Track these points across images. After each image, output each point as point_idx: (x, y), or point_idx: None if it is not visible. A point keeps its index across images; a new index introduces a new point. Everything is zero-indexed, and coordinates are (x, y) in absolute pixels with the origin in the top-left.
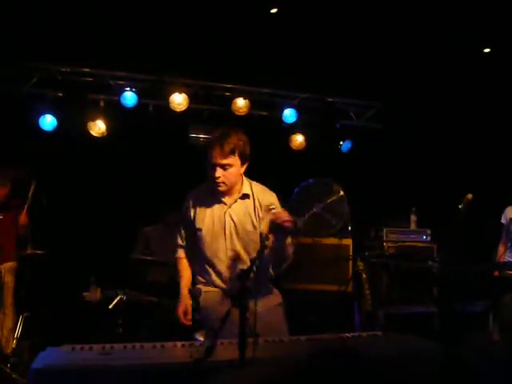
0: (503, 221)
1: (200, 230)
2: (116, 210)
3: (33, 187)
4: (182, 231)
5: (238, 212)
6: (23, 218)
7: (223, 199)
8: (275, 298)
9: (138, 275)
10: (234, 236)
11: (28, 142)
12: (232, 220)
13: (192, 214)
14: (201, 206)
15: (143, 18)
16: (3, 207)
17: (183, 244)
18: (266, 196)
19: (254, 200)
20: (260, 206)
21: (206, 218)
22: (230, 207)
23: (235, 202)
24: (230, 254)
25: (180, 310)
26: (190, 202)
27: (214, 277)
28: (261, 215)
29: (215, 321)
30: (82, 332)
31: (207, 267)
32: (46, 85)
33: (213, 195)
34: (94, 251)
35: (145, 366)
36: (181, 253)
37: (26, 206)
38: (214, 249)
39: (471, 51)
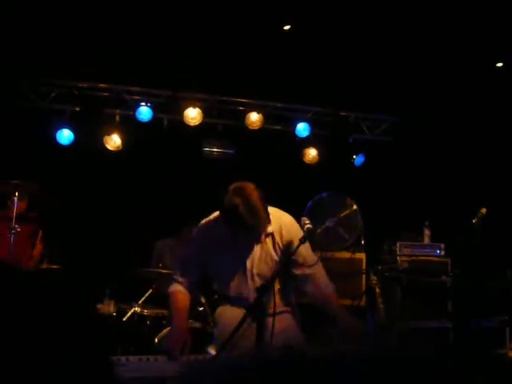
0: None
1: (216, 270)
2: (131, 224)
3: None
4: (186, 266)
5: (260, 251)
6: (37, 250)
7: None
8: (294, 315)
9: (152, 288)
10: (256, 277)
11: (45, 155)
12: (253, 259)
13: (204, 253)
14: (214, 245)
15: (158, 34)
16: (21, 220)
17: (182, 280)
18: (292, 231)
19: (273, 237)
20: (281, 239)
21: (223, 260)
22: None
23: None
24: (252, 293)
25: (176, 345)
26: (200, 240)
27: (234, 301)
28: (282, 247)
29: (236, 341)
30: None
31: (226, 295)
32: (64, 100)
33: (230, 237)
34: (108, 264)
35: (159, 379)
36: (176, 287)
37: (39, 238)
38: (233, 288)
39: (483, 66)
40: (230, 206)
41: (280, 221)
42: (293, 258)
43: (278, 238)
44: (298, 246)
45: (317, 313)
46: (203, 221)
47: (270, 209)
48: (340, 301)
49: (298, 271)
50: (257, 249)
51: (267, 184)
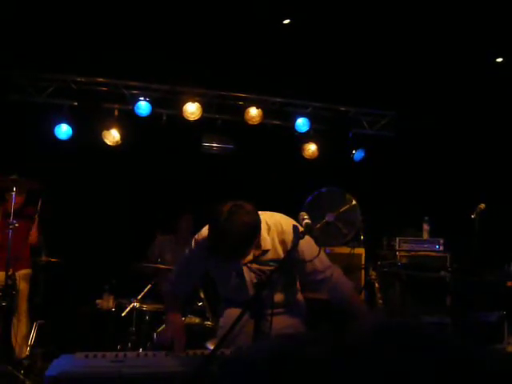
0: None
1: (216, 278)
2: (130, 219)
3: (41, 201)
4: (181, 267)
5: (260, 264)
6: (33, 234)
7: None
8: (297, 313)
9: (151, 283)
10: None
11: (43, 150)
12: (252, 272)
13: (200, 266)
14: (209, 261)
15: (157, 28)
16: (18, 215)
17: (175, 281)
18: (286, 233)
19: (275, 249)
20: (284, 252)
21: (221, 272)
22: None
23: (254, 259)
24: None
25: (169, 335)
26: (198, 251)
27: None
28: (283, 252)
29: (234, 336)
30: (95, 339)
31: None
32: (62, 94)
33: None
34: (107, 259)
35: (157, 374)
36: (169, 287)
37: (35, 222)
38: (235, 295)
39: (484, 61)
40: (213, 235)
41: (282, 235)
42: (301, 264)
43: (280, 252)
44: (297, 242)
45: (321, 310)
46: (201, 234)
47: (270, 217)
48: None
49: (309, 277)
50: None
51: (266, 179)
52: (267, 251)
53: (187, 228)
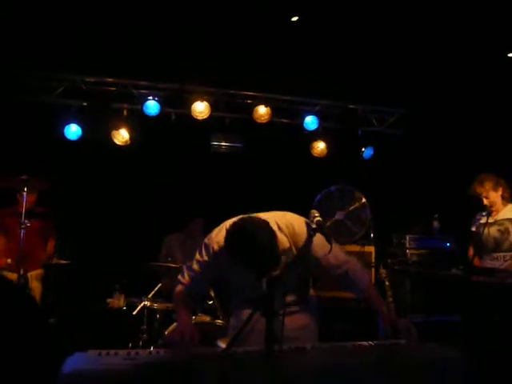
0: (474, 228)
1: (231, 279)
2: (140, 218)
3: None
4: (194, 273)
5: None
6: (51, 246)
7: None
8: (309, 310)
9: (161, 282)
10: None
11: (53, 150)
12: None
13: (214, 267)
14: (225, 263)
15: (165, 28)
16: (30, 215)
17: (188, 285)
18: (298, 235)
19: (291, 249)
20: (297, 250)
21: (236, 275)
22: None
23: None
24: None
25: (187, 332)
26: (213, 260)
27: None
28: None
29: (246, 335)
30: (106, 338)
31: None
32: (71, 95)
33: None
34: (118, 259)
35: (166, 371)
36: (181, 288)
37: (53, 233)
38: (250, 295)
39: (494, 56)
40: (234, 253)
41: (295, 236)
42: (317, 260)
43: (294, 251)
44: (310, 240)
45: (334, 308)
46: (214, 241)
47: (281, 218)
48: (349, 294)
49: (326, 274)
50: None
51: (276, 178)
52: (288, 250)
53: (199, 231)
